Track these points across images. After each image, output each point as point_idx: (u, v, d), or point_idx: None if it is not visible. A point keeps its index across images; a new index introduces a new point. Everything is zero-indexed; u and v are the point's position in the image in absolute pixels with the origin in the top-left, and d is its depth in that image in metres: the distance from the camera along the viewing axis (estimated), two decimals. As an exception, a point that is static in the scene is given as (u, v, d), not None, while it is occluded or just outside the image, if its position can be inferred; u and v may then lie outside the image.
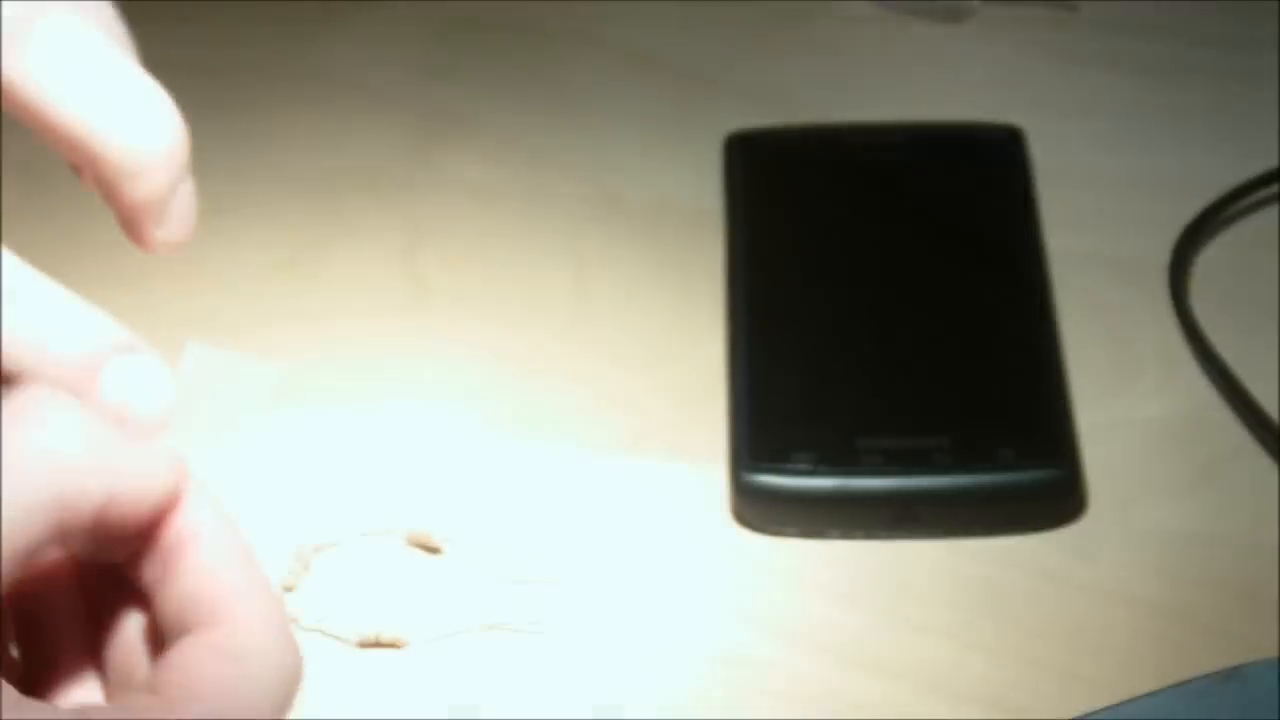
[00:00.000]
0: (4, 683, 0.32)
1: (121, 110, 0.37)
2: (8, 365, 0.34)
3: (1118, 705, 0.43)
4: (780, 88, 0.62)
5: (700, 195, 0.58)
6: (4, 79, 0.36)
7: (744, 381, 0.51)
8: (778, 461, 0.49)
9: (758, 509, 0.49)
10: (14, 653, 0.35)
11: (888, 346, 0.52)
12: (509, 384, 0.53)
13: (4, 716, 0.30)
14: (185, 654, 0.32)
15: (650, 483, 0.50)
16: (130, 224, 0.37)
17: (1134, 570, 0.48)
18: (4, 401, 0.32)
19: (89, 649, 0.35)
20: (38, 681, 0.34)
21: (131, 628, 0.35)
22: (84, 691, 0.35)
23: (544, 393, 0.53)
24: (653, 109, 0.62)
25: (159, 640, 0.34)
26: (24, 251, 0.33)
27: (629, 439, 0.51)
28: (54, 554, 0.33)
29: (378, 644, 0.46)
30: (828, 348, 0.52)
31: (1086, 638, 0.46)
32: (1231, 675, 0.43)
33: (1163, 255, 0.55)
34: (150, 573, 0.34)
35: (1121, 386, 0.52)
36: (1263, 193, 0.56)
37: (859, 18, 0.65)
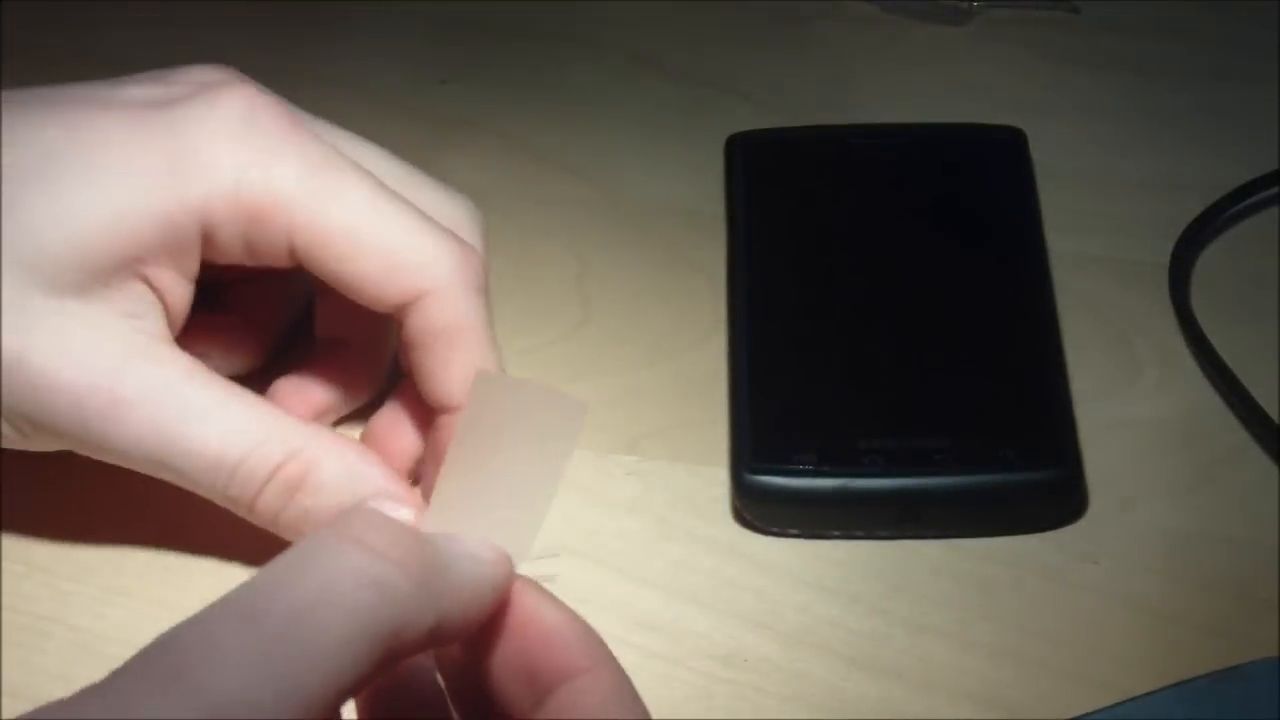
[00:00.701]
0: None
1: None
2: None
3: (1117, 705, 0.43)
4: (780, 88, 0.62)
5: (700, 195, 0.58)
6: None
7: (745, 381, 0.51)
8: (779, 462, 0.49)
9: (759, 509, 0.49)
10: None
11: (889, 347, 0.52)
12: (510, 384, 0.53)
13: None
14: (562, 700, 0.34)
15: (651, 483, 0.50)
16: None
17: (1134, 570, 0.48)
18: (339, 522, 0.32)
19: None
20: None
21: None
22: None
23: (545, 393, 0.53)
24: (653, 110, 0.62)
25: None
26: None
27: (629, 439, 0.51)
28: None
29: None
30: (829, 348, 0.52)
31: (1087, 637, 0.46)
32: (1231, 675, 0.43)
33: (1163, 256, 0.55)
34: (523, 705, 0.35)
35: (1122, 387, 0.52)
36: (1263, 194, 0.57)
37: (859, 18, 0.65)
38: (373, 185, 0.45)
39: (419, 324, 0.45)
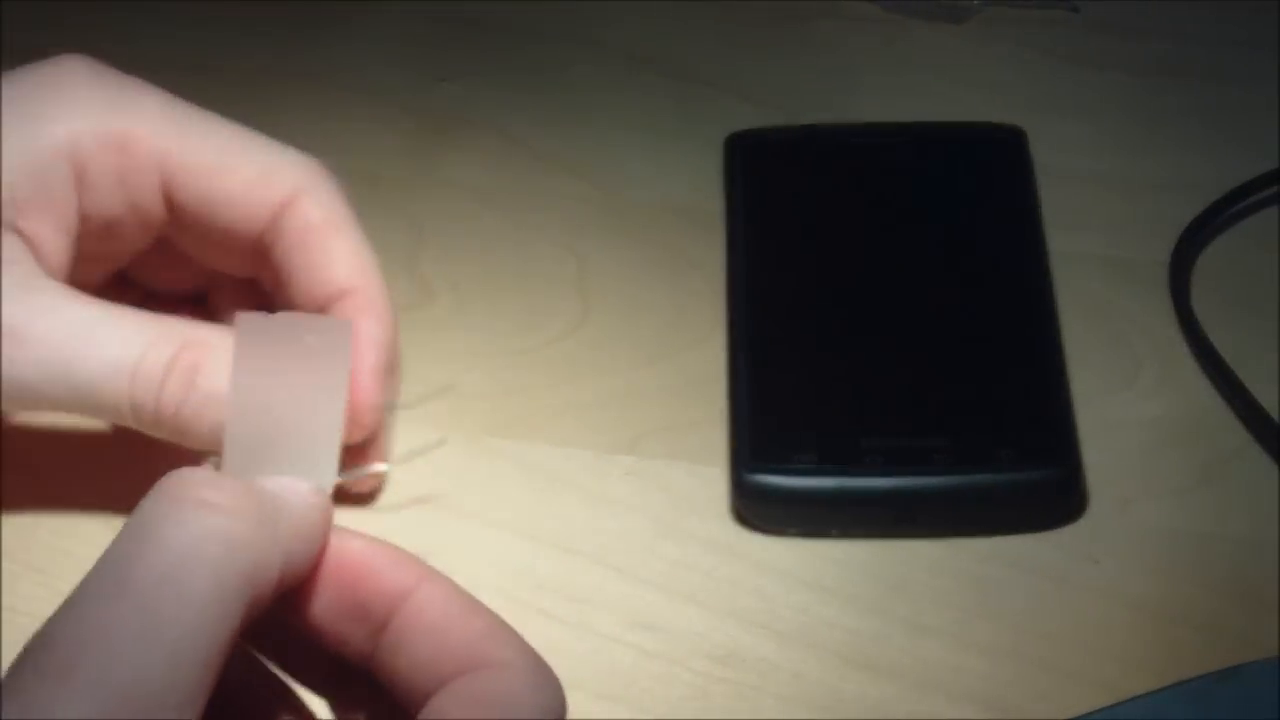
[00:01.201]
0: None
1: None
2: None
3: (1117, 705, 0.43)
4: (780, 88, 0.62)
5: (700, 195, 0.58)
6: None
7: (745, 381, 0.51)
8: (779, 461, 0.49)
9: (758, 508, 0.49)
10: None
11: (888, 346, 0.52)
12: (510, 384, 0.53)
13: None
14: (445, 700, 0.33)
15: (650, 482, 0.50)
16: None
17: (1134, 570, 0.48)
18: (162, 487, 0.32)
19: None
20: None
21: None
22: None
23: (545, 392, 0.53)
24: (653, 109, 0.62)
25: None
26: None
27: (628, 438, 0.51)
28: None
29: None
30: (828, 347, 0.52)
31: (1086, 637, 0.46)
32: (1231, 675, 0.43)
33: (1163, 255, 0.55)
34: (361, 644, 0.35)
35: (1122, 386, 0.52)
36: (1263, 193, 0.56)
37: (859, 18, 0.65)
38: (224, 119, 0.48)
39: (296, 224, 0.46)
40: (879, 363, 0.51)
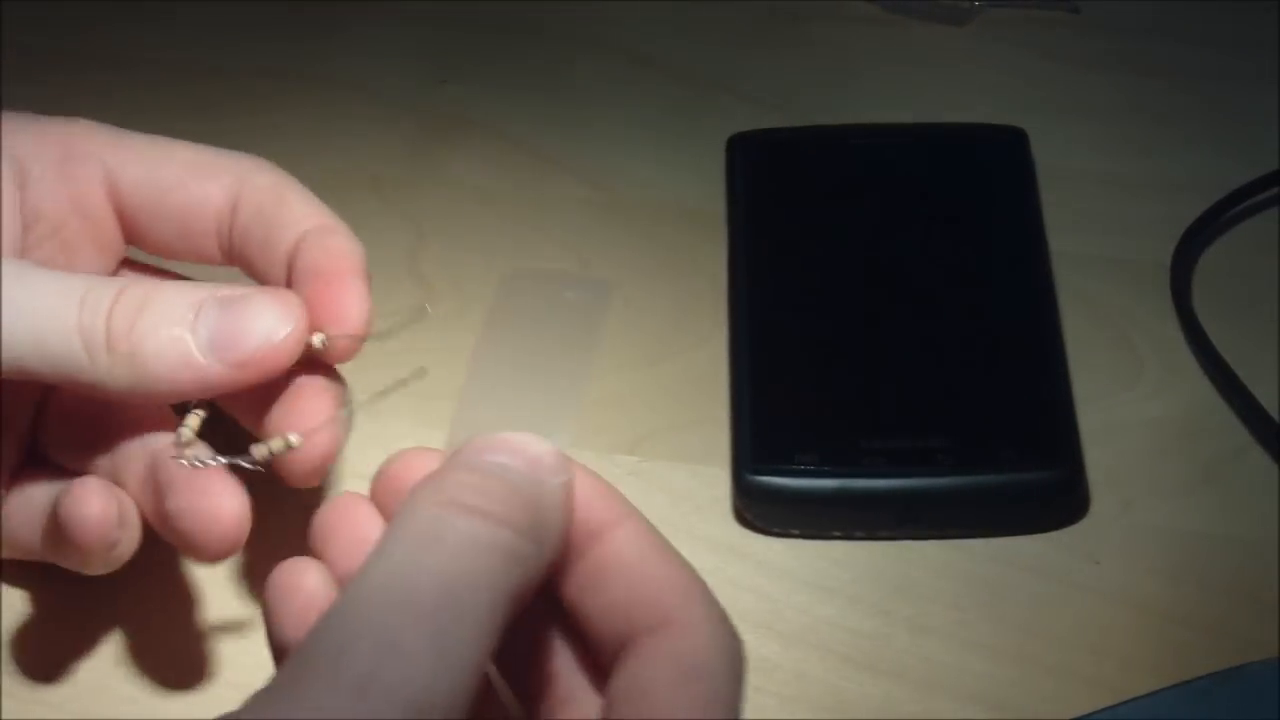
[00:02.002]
0: None
1: None
2: None
3: (1118, 705, 0.43)
4: (780, 88, 0.62)
5: (700, 195, 0.58)
6: None
7: (746, 382, 0.51)
8: (780, 462, 0.49)
9: (760, 509, 0.49)
10: None
11: (889, 347, 0.52)
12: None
13: None
14: (646, 674, 0.34)
15: (652, 483, 0.50)
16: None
17: (1135, 570, 0.48)
18: (432, 487, 0.33)
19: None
20: None
21: (560, 659, 0.37)
22: None
23: (546, 393, 0.53)
24: (653, 109, 0.62)
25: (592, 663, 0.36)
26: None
27: (630, 439, 0.51)
28: None
29: None
30: (830, 348, 0.52)
31: (1087, 638, 0.46)
32: (1232, 675, 0.43)
33: (1164, 256, 0.55)
34: (575, 589, 0.35)
35: (1123, 387, 0.52)
36: (1264, 194, 0.56)
37: (859, 18, 0.65)
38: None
39: (250, 198, 0.46)
40: (880, 363, 0.51)
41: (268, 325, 0.41)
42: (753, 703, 0.45)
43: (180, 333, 0.41)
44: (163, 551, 0.48)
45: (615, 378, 0.53)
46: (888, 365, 0.51)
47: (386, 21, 0.65)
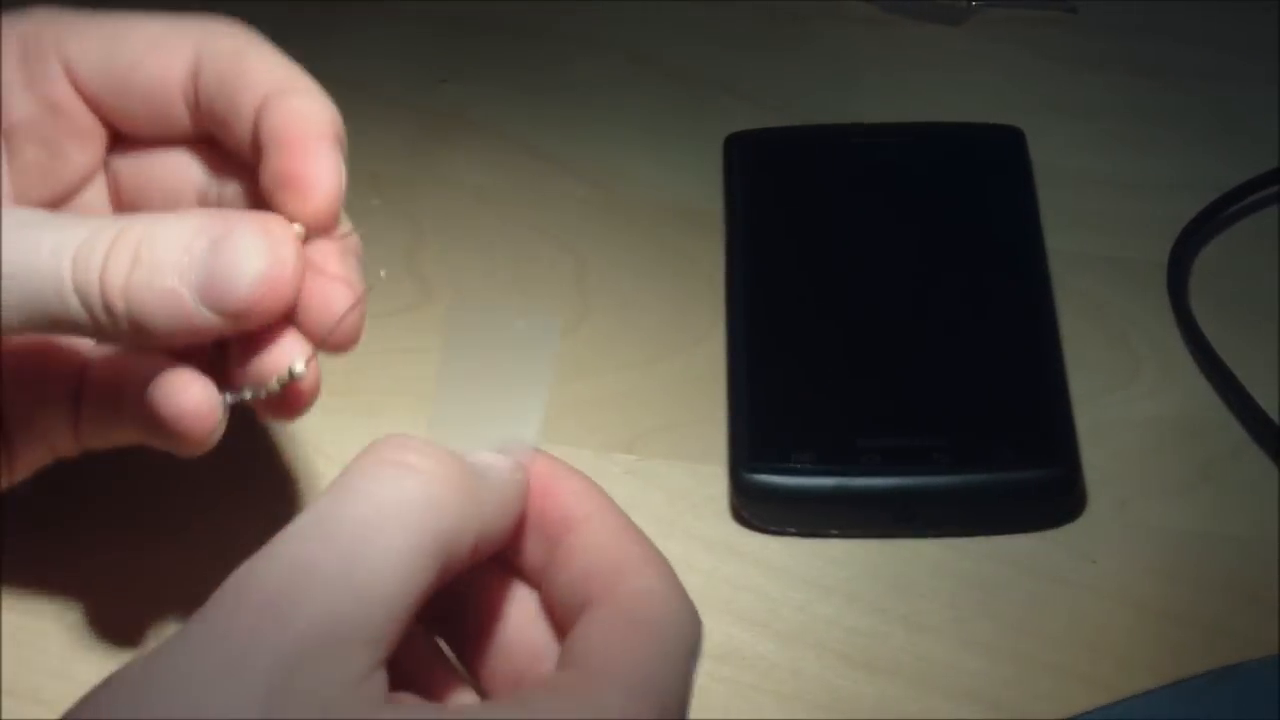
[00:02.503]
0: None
1: None
2: None
3: (1116, 704, 0.43)
4: (780, 88, 0.62)
5: (700, 195, 0.58)
6: None
7: (744, 381, 0.51)
8: (777, 460, 0.49)
9: (758, 508, 0.49)
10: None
11: (887, 346, 0.52)
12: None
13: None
14: (595, 627, 0.34)
15: (649, 481, 0.50)
16: None
17: (1133, 569, 0.48)
18: (371, 449, 0.34)
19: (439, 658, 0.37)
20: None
21: (520, 623, 0.37)
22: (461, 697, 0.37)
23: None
24: (653, 109, 0.62)
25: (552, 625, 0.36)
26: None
27: (628, 437, 0.52)
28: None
29: None
30: (827, 347, 0.52)
31: (1084, 636, 0.46)
32: (1228, 674, 0.43)
33: (1162, 255, 0.55)
34: (535, 558, 0.36)
35: (1120, 386, 0.52)
36: (1262, 193, 0.57)
37: (859, 19, 0.65)
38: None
39: (210, 64, 0.44)
40: (878, 362, 0.51)
41: (255, 267, 0.38)
42: (749, 700, 0.45)
43: (173, 284, 0.38)
44: (162, 552, 0.49)
45: (612, 376, 0.53)
46: (884, 364, 0.51)
47: (386, 21, 0.66)
